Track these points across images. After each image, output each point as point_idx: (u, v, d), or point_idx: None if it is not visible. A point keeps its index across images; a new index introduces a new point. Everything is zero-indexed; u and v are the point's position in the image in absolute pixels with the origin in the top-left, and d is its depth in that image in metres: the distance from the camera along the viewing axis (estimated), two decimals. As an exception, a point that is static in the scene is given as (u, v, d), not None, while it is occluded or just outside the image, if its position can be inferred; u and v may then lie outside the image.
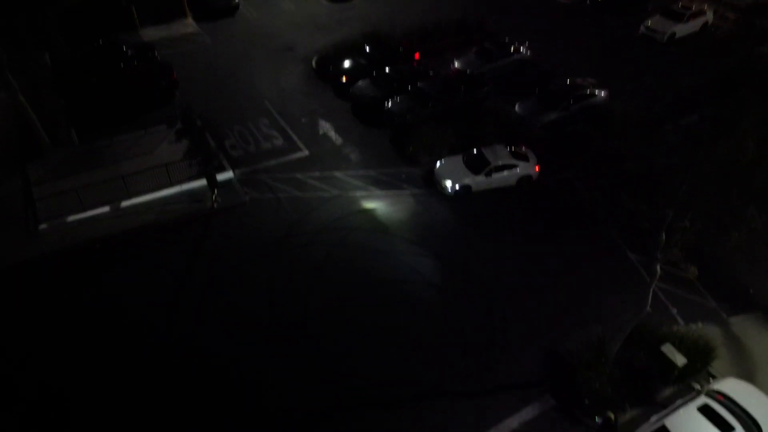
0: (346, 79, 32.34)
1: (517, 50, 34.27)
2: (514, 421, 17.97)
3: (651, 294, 17.72)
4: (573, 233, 24.30)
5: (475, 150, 26.59)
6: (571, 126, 29.86)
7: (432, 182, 26.43)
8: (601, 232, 24.40)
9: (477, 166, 25.88)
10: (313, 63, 34.46)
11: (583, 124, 29.93)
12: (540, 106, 29.95)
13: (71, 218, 24.20)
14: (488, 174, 25.61)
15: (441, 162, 26.59)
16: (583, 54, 35.81)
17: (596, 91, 30.58)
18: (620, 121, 30.16)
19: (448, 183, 25.54)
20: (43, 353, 19.57)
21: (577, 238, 24.08)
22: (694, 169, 16.97)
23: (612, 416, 16.23)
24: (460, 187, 25.53)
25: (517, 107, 30.26)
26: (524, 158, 26.39)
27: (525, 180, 26.30)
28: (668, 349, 18.52)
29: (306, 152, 28.42)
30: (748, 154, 15.32)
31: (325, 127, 30.11)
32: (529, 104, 30.20)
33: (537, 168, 26.37)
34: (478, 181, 25.66)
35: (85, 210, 24.36)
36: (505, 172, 25.87)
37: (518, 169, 26.01)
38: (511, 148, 26.58)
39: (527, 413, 18.19)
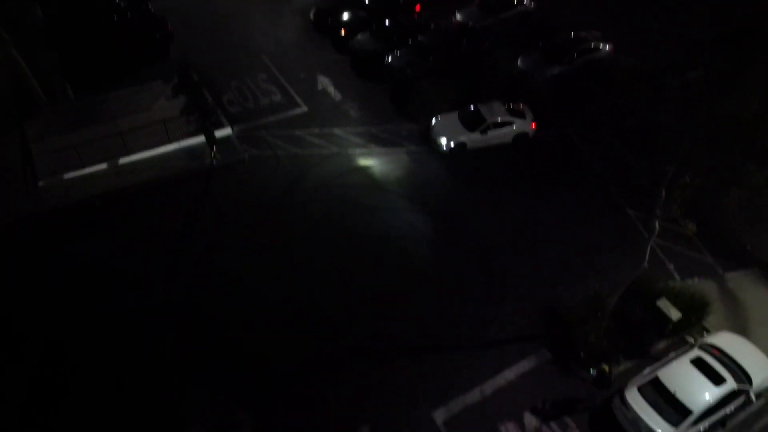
0: (345, 33, 31.62)
1: (520, 2, 33.41)
2: (511, 373, 18.43)
3: (649, 250, 17.85)
4: (572, 189, 24.29)
5: (471, 107, 26.24)
6: (574, 81, 29.39)
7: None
8: (601, 189, 24.39)
9: (473, 123, 25.58)
10: (311, 15, 33.61)
11: (586, 78, 29.46)
12: (543, 60, 29.38)
13: (70, 175, 24.15)
14: (484, 131, 25.36)
15: (436, 119, 26.29)
16: (588, 6, 34.87)
17: (601, 45, 29.96)
18: (624, 75, 29.74)
19: (443, 140, 25.34)
20: (44, 308, 19.85)
21: (577, 194, 24.09)
22: (696, 125, 16.83)
23: (606, 368, 16.64)
24: (455, 144, 25.33)
25: (519, 61, 29.71)
26: (521, 115, 26.05)
27: (521, 137, 26.04)
28: (663, 304, 18.82)
29: (305, 108, 28.09)
30: (752, 111, 15.16)
31: (324, 83, 29.66)
32: (532, 58, 29.63)
33: (534, 125, 26.06)
34: (473, 139, 25.42)
35: (83, 167, 24.28)
36: (501, 130, 25.58)
37: (514, 127, 25.71)
38: (508, 105, 26.21)
39: (524, 366, 18.63)
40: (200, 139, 25.02)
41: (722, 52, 18.93)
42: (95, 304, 19.97)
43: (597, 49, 29.84)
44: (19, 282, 20.62)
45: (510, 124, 25.64)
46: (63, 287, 20.47)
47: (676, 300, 19.11)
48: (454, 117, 26.14)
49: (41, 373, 18.09)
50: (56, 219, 22.80)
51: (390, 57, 29.43)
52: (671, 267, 21.41)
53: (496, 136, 25.64)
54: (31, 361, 18.35)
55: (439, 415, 17.40)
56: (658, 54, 30.90)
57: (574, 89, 29.15)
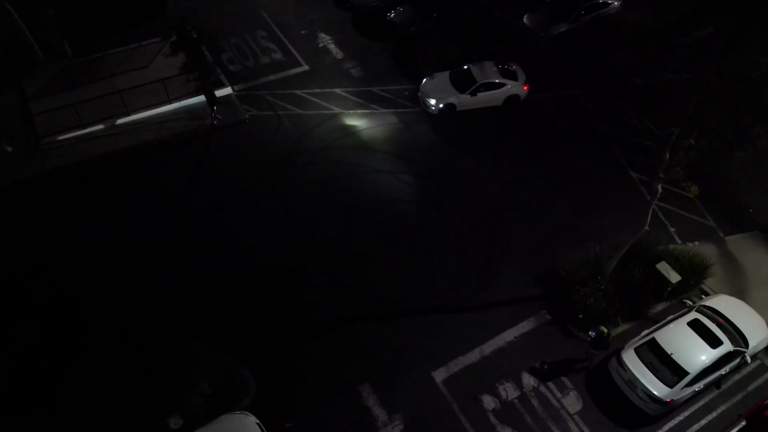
0: (347, -13, 30.78)
1: (527, -44, 32.30)
2: (510, 334, 18.72)
3: (651, 213, 17.81)
4: (575, 151, 24.10)
5: (463, 66, 25.66)
6: (581, 39, 28.73)
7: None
8: (605, 150, 24.18)
9: (463, 83, 25.01)
10: (312, -31, 32.64)
11: (593, 37, 28.80)
12: (550, 17, 28.67)
13: (71, 134, 23.96)
14: (474, 93, 24.82)
15: (427, 79, 25.75)
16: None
17: (609, 1, 29.14)
18: (631, 32, 29.07)
19: (432, 101, 24.87)
20: (49, 268, 20.01)
21: (580, 155, 23.91)
22: (702, 84, 16.54)
23: (605, 330, 16.84)
24: (444, 105, 24.84)
25: (525, 18, 29.00)
26: (513, 77, 25.40)
27: (513, 99, 25.52)
28: (663, 267, 18.92)
29: (306, 67, 27.59)
30: (759, 70, 14.85)
31: (325, 40, 29.04)
32: (538, 15, 28.91)
33: (526, 87, 25.44)
34: (462, 100, 24.92)
35: (84, 126, 24.07)
36: (492, 91, 25.01)
37: (505, 89, 25.13)
38: (500, 66, 25.55)
39: (524, 326, 18.91)
40: (200, 98, 24.69)
41: (730, 10, 18.48)
42: (99, 264, 20.11)
43: (606, 5, 29.04)
44: (22, 243, 20.74)
45: (501, 85, 25.04)
46: (66, 247, 20.58)
47: (675, 263, 19.21)
48: (444, 77, 25.57)
49: (47, 332, 18.40)
50: (58, 179, 22.76)
51: (393, 14, 28.73)
52: (672, 230, 21.43)
53: (485, 97, 25.11)
54: (37, 321, 18.64)
55: (439, 375, 17.77)
56: (667, 10, 30.21)
57: (580, 48, 28.55)
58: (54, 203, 22.03)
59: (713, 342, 16.88)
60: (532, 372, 17.88)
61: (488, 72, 25.17)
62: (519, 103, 25.67)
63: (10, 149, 23.29)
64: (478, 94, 24.93)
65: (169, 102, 25.09)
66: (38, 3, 26.33)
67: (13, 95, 25.45)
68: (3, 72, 26.13)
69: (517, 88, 25.30)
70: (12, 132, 23.94)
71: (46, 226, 21.26)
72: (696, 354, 16.67)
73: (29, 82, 25.98)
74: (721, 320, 17.49)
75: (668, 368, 16.53)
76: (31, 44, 26.17)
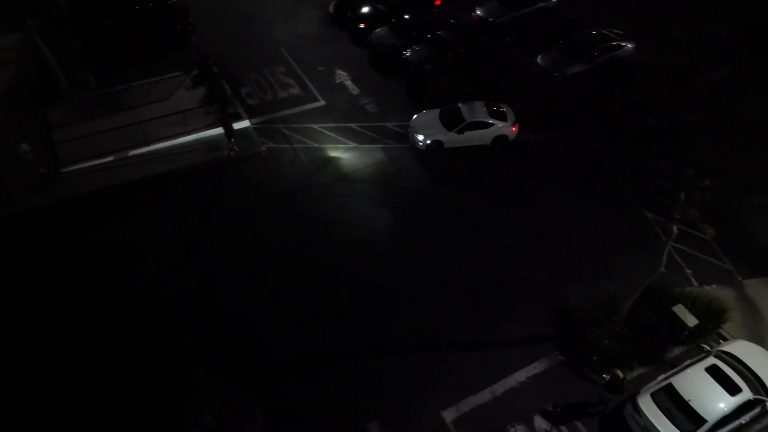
0: (364, 26, 31.51)
1: (542, -2, 32.96)
2: (522, 374, 18.34)
3: (666, 254, 17.58)
4: (589, 189, 24.02)
5: (455, 105, 25.82)
6: (595, 79, 28.99)
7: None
8: (618, 190, 24.07)
9: (452, 121, 25.20)
10: (331, 8, 33.50)
11: (607, 77, 29.05)
12: (564, 57, 29.00)
13: (91, 163, 24.40)
14: (461, 131, 24.96)
15: (417, 115, 26.02)
16: (612, 3, 34.32)
17: (623, 44, 29.47)
18: (645, 74, 29.31)
19: (420, 137, 25.07)
20: (62, 293, 20.09)
21: (593, 194, 23.82)
22: (717, 127, 16.55)
23: (620, 374, 16.44)
24: (432, 141, 25.01)
25: (539, 58, 29.36)
26: (502, 117, 25.46)
27: (501, 139, 25.54)
28: (680, 310, 18.56)
29: (322, 102, 28.07)
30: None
31: (342, 76, 29.60)
32: (553, 55, 29.27)
33: (515, 128, 25.45)
34: (450, 138, 25.03)
35: (104, 155, 24.53)
36: (480, 130, 25.12)
37: (494, 128, 25.19)
38: (490, 106, 25.70)
39: (536, 367, 18.54)
40: (218, 130, 25.14)
41: (745, 54, 18.62)
42: (110, 291, 20.18)
43: (619, 47, 29.36)
44: (38, 267, 20.93)
45: (489, 125, 25.11)
46: (81, 272, 20.73)
47: (692, 306, 18.84)
48: (434, 114, 25.85)
49: (57, 357, 18.37)
50: (76, 206, 23.08)
51: (408, 52, 29.27)
52: (689, 272, 21.10)
53: (473, 136, 25.21)
54: (47, 345, 18.64)
55: (449, 414, 17.39)
56: (681, 53, 30.48)
57: (594, 88, 28.78)
58: (72, 229, 22.30)
59: (732, 389, 16.39)
60: (545, 415, 17.43)
61: (477, 111, 25.36)
62: (508, 143, 25.67)
63: (28, 149, 23.69)
64: (466, 133, 25.04)
65: (188, 133, 25.57)
66: (66, 36, 27.27)
67: (37, 123, 26.08)
68: (29, 101, 26.88)
69: (506, 128, 25.35)
70: (34, 158, 24.41)
71: (62, 250, 21.47)
72: (714, 401, 16.18)
73: (54, 111, 26.67)
74: (740, 367, 17.01)
75: (686, 415, 16.04)
76: (57, 75, 26.99)
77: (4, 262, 21.10)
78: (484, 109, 25.61)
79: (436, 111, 26.03)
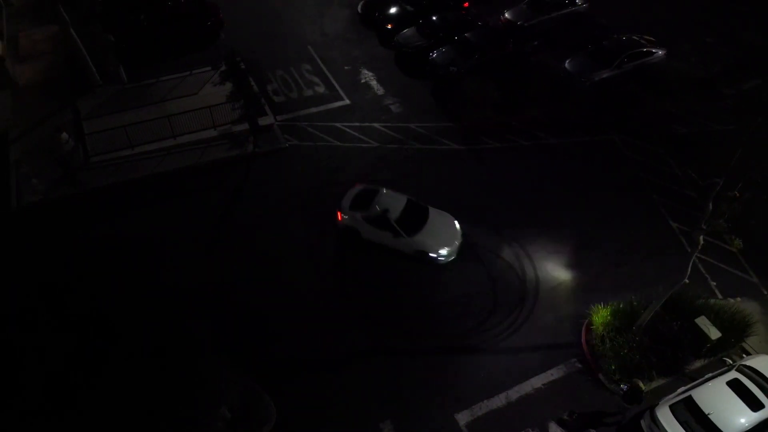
0: (392, 27, 31.58)
1: (572, 2, 32.66)
2: (538, 381, 18.18)
3: (691, 265, 17.27)
4: (613, 197, 23.70)
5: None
6: (622, 85, 28.61)
7: (470, 140, 25.85)
8: (644, 198, 23.72)
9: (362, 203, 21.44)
10: (359, 8, 33.68)
11: (635, 84, 28.65)
12: (592, 62, 28.68)
13: (118, 154, 24.89)
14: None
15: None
16: (644, 9, 33.89)
17: (654, 50, 29.04)
18: (675, 81, 28.83)
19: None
20: (87, 282, 20.55)
21: (617, 202, 23.50)
22: (748, 137, 16.20)
23: (639, 384, 16.19)
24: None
25: (567, 63, 29.09)
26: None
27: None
28: (702, 322, 18.23)
29: (347, 101, 28.20)
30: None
31: (368, 76, 29.70)
32: (581, 60, 28.97)
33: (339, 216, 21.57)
34: (367, 230, 21.35)
35: (132, 147, 25.00)
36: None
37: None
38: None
39: (553, 374, 18.35)
40: (244, 126, 25.42)
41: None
42: (132, 281, 20.56)
43: (650, 53, 28.93)
44: (65, 255, 21.41)
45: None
46: (105, 262, 21.14)
47: (716, 319, 18.48)
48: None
49: (82, 343, 18.80)
50: (102, 196, 23.58)
51: (435, 53, 29.25)
52: (713, 284, 20.70)
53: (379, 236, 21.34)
54: (72, 332, 19.09)
55: (463, 417, 17.31)
56: (712, 62, 29.93)
57: (621, 94, 28.42)
58: (98, 219, 22.76)
59: (754, 405, 16.03)
60: (560, 423, 17.24)
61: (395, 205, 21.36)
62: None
63: (68, 137, 24.26)
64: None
65: (214, 128, 25.91)
66: (99, 30, 27.90)
67: (68, 114, 26.70)
68: (61, 92, 27.54)
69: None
70: (74, 147, 24.98)
71: (88, 240, 21.93)
72: (735, 416, 15.84)
73: (84, 102, 27.26)
74: (763, 381, 16.62)
75: (705, 429, 15.71)
76: (89, 68, 27.60)
77: (35, 249, 21.64)
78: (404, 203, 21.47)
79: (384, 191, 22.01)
